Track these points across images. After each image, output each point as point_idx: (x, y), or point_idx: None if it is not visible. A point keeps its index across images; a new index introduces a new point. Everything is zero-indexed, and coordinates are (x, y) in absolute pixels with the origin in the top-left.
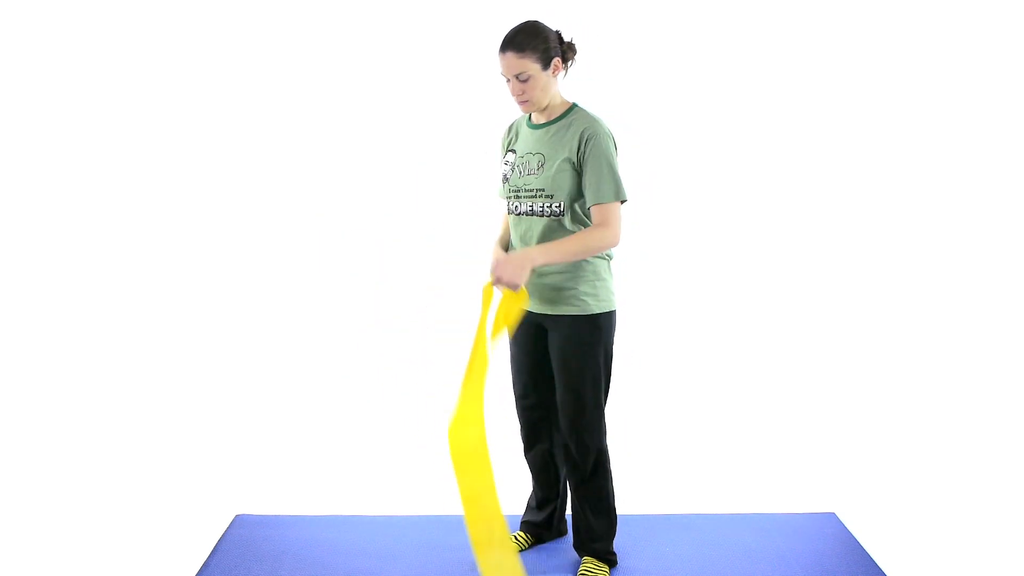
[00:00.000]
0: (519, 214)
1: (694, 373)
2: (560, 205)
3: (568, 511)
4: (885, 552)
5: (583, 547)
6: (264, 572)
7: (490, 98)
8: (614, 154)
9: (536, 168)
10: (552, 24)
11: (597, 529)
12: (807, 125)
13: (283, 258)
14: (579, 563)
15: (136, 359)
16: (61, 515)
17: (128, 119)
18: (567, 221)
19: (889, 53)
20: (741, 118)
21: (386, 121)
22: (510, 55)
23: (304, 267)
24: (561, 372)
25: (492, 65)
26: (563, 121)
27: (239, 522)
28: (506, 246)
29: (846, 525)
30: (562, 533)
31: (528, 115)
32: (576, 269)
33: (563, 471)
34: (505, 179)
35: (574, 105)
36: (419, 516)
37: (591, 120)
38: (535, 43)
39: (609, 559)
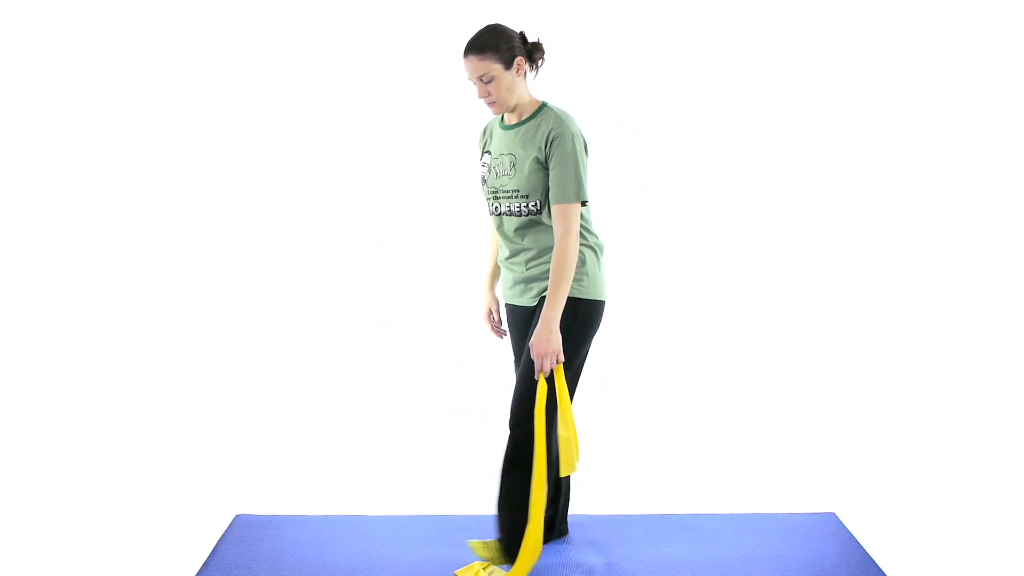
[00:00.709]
0: (499, 214)
1: (694, 373)
2: (536, 204)
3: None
4: (885, 552)
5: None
6: (264, 572)
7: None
8: (580, 154)
9: (509, 169)
10: (552, 25)
11: (502, 521)
12: (805, 126)
13: (283, 258)
14: (581, 564)
15: (136, 359)
16: (61, 515)
17: (128, 120)
18: (545, 218)
19: (887, 54)
20: (741, 119)
21: (386, 121)
22: (472, 58)
23: (304, 267)
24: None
25: None
26: (532, 121)
27: (239, 522)
28: (495, 273)
29: (846, 525)
30: (563, 533)
31: (500, 116)
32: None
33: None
34: (483, 181)
35: (544, 104)
36: (419, 516)
37: (559, 120)
38: (495, 44)
39: (505, 556)
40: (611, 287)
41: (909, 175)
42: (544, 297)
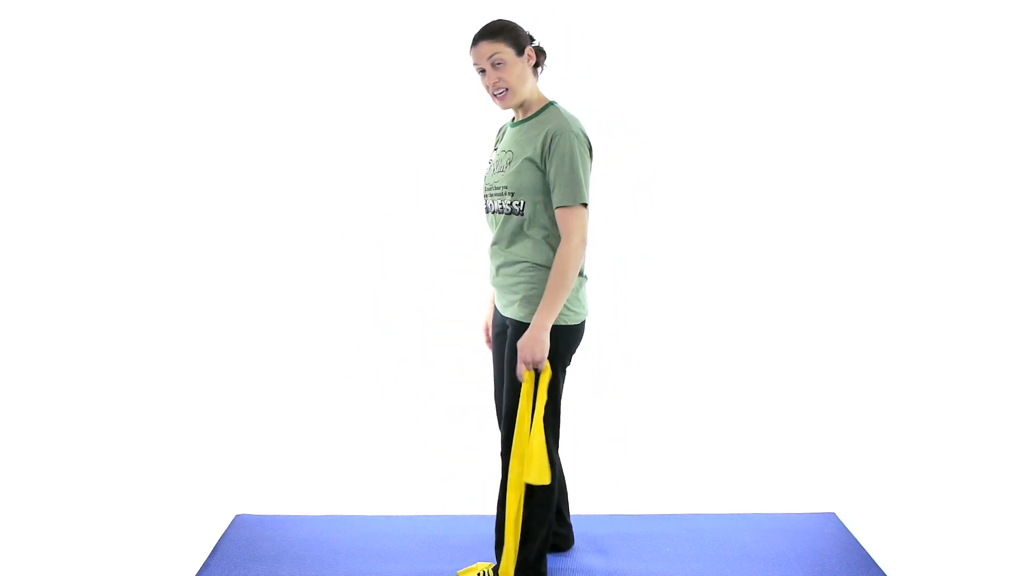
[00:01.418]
0: (491, 212)
1: (694, 373)
2: (521, 204)
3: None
4: (885, 552)
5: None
6: (264, 572)
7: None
8: (580, 155)
9: (505, 165)
10: (552, 25)
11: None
12: (805, 126)
13: (283, 258)
14: (581, 564)
15: (136, 359)
16: (62, 515)
17: (128, 120)
18: (526, 223)
19: (886, 54)
20: (741, 119)
21: (386, 121)
22: (483, 43)
23: (304, 267)
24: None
25: None
26: (536, 119)
27: (239, 522)
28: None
29: (846, 525)
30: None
31: (513, 116)
32: (533, 276)
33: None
34: (484, 178)
35: (551, 103)
36: (419, 516)
37: (561, 119)
38: (507, 30)
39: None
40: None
41: (908, 176)
42: (508, 316)
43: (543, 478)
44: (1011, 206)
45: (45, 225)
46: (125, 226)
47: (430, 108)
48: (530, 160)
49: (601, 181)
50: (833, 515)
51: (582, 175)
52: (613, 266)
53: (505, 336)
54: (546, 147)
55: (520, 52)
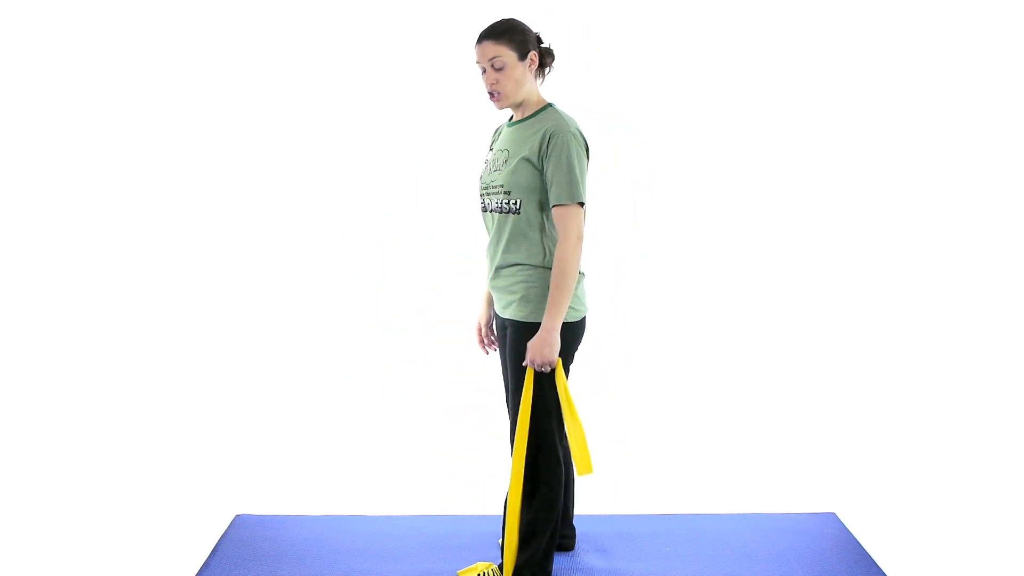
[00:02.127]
0: (489, 211)
1: (694, 373)
2: (517, 203)
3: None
4: (885, 552)
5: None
6: (264, 572)
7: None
8: (577, 155)
9: (501, 164)
10: (552, 25)
11: (520, 552)
12: (805, 126)
13: (283, 258)
14: (582, 565)
15: (136, 360)
16: (62, 515)
17: (128, 121)
18: (523, 221)
19: (885, 54)
20: (741, 119)
21: (386, 121)
22: (487, 43)
23: (304, 267)
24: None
25: None
26: (534, 119)
27: (239, 522)
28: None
29: (846, 525)
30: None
31: (510, 116)
32: (530, 275)
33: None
34: (480, 177)
35: (549, 105)
36: (419, 516)
37: (559, 120)
38: (512, 34)
39: None
40: (611, 286)
41: (908, 176)
42: (510, 310)
43: (586, 469)
44: (1010, 206)
45: (45, 226)
46: (125, 227)
47: (430, 109)
48: (527, 159)
49: (601, 181)
50: (833, 515)
51: (579, 174)
52: (613, 266)
53: (504, 335)
54: (543, 146)
55: (523, 56)
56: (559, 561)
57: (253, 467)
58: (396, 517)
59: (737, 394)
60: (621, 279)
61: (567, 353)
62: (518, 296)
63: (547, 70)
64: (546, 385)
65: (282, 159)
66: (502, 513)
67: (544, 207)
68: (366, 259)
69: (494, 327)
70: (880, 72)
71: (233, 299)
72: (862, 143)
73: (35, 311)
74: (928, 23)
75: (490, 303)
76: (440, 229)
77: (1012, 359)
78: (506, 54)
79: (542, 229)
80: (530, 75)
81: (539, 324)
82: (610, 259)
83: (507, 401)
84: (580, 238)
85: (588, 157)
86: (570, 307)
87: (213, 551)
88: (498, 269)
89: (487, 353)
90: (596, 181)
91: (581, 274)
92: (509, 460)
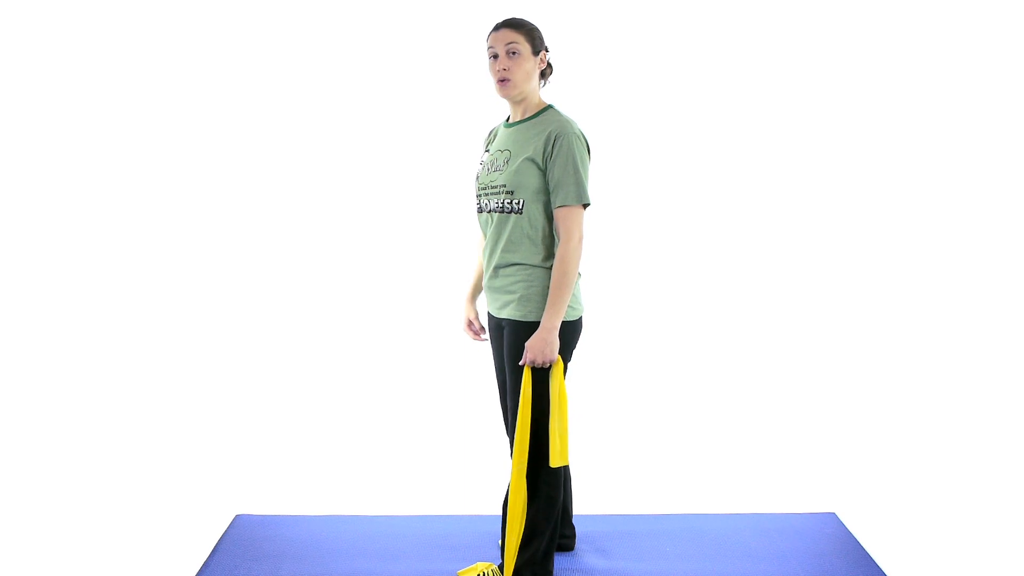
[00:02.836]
0: (488, 211)
1: (694, 373)
2: (520, 203)
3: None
4: (885, 552)
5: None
6: (264, 572)
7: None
8: (582, 156)
9: (502, 165)
10: (552, 25)
11: (521, 552)
12: (804, 126)
13: (283, 258)
14: (582, 565)
15: (136, 360)
16: (62, 515)
17: (127, 121)
18: (525, 221)
19: (884, 55)
20: (741, 119)
21: (386, 122)
22: (506, 30)
23: (304, 267)
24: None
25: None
26: (535, 120)
27: (239, 522)
28: (478, 287)
29: (846, 525)
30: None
31: (507, 117)
32: (529, 275)
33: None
34: (476, 178)
35: (549, 106)
36: (419, 516)
37: (562, 121)
38: (530, 28)
39: None
40: (611, 286)
41: (906, 175)
42: (508, 309)
43: (562, 460)
44: (1009, 207)
45: (45, 226)
46: (124, 228)
47: (430, 110)
48: (530, 160)
49: (600, 181)
50: (833, 515)
51: (584, 176)
52: (612, 266)
53: (500, 335)
54: (548, 148)
55: (535, 52)
56: (559, 561)
57: (253, 467)
58: (396, 517)
59: (737, 394)
60: (620, 279)
61: (566, 352)
62: (516, 296)
63: (545, 80)
64: (545, 384)
65: (282, 160)
66: (501, 513)
67: (546, 208)
68: (366, 259)
69: (487, 326)
70: (878, 73)
71: (234, 300)
72: (859, 143)
73: (35, 312)
74: (924, 24)
75: (473, 300)
76: (440, 229)
77: (1011, 359)
78: (522, 43)
79: (543, 229)
80: (536, 74)
81: (537, 323)
82: (609, 259)
83: (502, 401)
84: (582, 240)
85: (590, 157)
86: (569, 306)
87: (213, 551)
88: (496, 268)
89: (481, 339)
90: (595, 181)
91: (578, 274)
92: (509, 460)
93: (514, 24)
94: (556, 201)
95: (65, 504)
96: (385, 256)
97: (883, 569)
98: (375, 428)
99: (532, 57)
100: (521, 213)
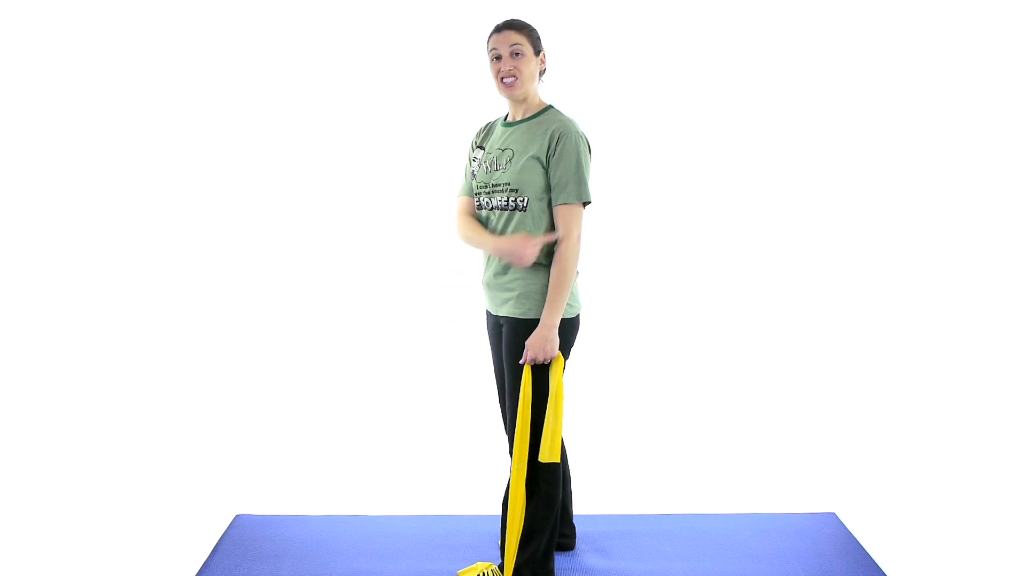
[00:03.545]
0: (490, 209)
1: (695, 373)
2: (525, 201)
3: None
4: (885, 552)
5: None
6: (264, 572)
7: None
8: (584, 156)
9: (505, 164)
10: (552, 25)
11: (521, 552)
12: (804, 127)
13: (282, 259)
14: (582, 565)
15: (136, 360)
16: (62, 515)
17: (125, 121)
18: (529, 218)
19: (883, 55)
20: (741, 120)
21: (386, 123)
22: (509, 32)
23: (302, 267)
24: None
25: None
26: (536, 119)
27: (239, 522)
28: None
29: (846, 525)
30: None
31: (504, 115)
32: (529, 272)
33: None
34: (473, 175)
35: (550, 106)
36: (419, 516)
37: (564, 120)
38: (531, 30)
39: None
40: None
41: (906, 174)
42: (507, 307)
43: (553, 456)
44: (1008, 207)
45: (43, 226)
46: (123, 227)
47: (429, 110)
48: (535, 158)
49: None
50: (833, 515)
51: (586, 175)
52: (612, 265)
53: (500, 336)
54: (552, 146)
55: (536, 52)
56: (559, 561)
57: (253, 467)
58: (396, 517)
59: (737, 394)
60: (621, 279)
61: (565, 349)
62: (515, 293)
63: (540, 80)
64: (545, 381)
65: (281, 161)
66: (501, 512)
67: (548, 207)
68: (364, 259)
69: (485, 325)
70: (877, 74)
71: (233, 300)
72: (858, 143)
73: (34, 312)
74: (924, 24)
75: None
76: (440, 229)
77: (1011, 360)
78: (525, 44)
79: (545, 227)
80: (537, 73)
81: (536, 321)
82: (609, 258)
83: (500, 400)
84: (580, 238)
85: (591, 157)
86: (567, 304)
87: (213, 551)
88: (496, 266)
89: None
90: (595, 181)
91: (576, 272)
92: (508, 459)
93: (516, 26)
94: (557, 199)
95: (65, 504)
96: (384, 257)
97: (883, 569)
98: (375, 428)
99: (534, 57)
100: (525, 211)
